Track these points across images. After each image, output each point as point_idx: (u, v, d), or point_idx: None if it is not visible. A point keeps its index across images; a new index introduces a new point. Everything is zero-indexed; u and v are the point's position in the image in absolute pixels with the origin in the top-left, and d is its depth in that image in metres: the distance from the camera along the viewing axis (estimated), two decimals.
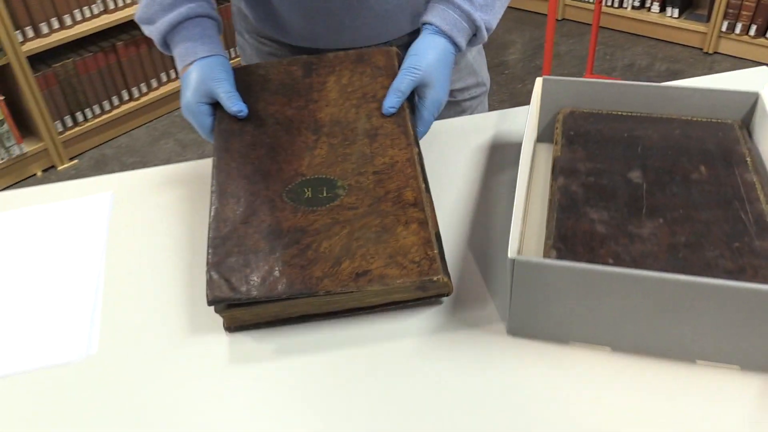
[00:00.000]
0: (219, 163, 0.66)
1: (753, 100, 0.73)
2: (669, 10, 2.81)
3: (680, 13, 2.80)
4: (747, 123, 0.74)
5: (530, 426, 0.50)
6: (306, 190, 0.62)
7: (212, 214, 0.61)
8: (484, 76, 1.00)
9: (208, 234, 0.60)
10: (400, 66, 0.72)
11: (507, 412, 0.51)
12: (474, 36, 0.77)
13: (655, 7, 2.84)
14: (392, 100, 0.69)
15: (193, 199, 0.75)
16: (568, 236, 0.59)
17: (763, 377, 0.53)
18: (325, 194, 0.61)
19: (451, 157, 0.80)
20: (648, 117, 0.75)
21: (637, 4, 2.89)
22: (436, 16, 0.74)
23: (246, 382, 0.55)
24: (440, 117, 0.96)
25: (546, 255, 0.57)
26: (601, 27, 2.98)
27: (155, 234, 0.71)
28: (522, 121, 0.85)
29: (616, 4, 2.94)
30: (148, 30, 0.75)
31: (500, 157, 0.80)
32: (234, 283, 0.56)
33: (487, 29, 0.76)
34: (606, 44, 2.86)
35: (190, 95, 0.71)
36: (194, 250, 0.68)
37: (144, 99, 2.47)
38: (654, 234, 0.58)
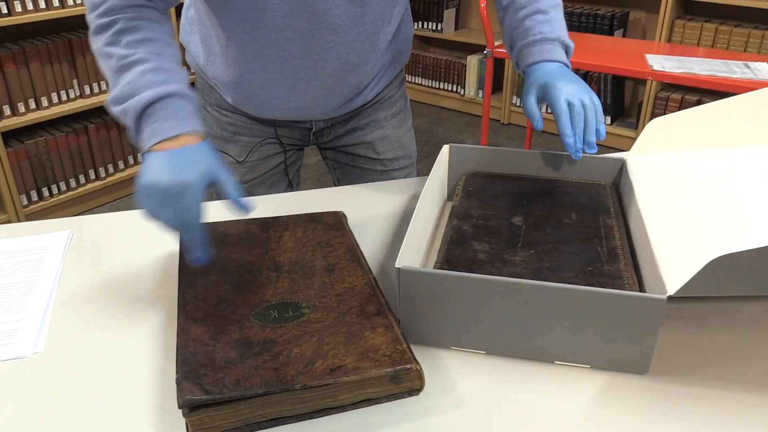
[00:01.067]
0: (184, 297, 0.68)
1: (620, 164, 0.89)
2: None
3: (612, 121, 3.09)
4: (617, 185, 0.89)
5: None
6: (272, 312, 0.65)
7: (179, 337, 0.62)
8: (412, 149, 1.16)
9: (177, 351, 0.60)
10: (346, 224, 0.81)
11: None
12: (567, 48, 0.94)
13: None
14: (570, 143, 0.84)
15: (153, 243, 0.86)
16: (453, 260, 0.71)
17: (609, 374, 0.64)
18: (291, 314, 0.65)
19: (376, 212, 0.93)
20: (537, 178, 0.91)
21: None
22: (532, 56, 0.92)
23: None
24: (370, 180, 1.10)
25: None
26: (543, 132, 3.25)
27: (107, 270, 0.81)
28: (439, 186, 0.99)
29: None
30: (119, 108, 0.71)
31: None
32: (206, 385, 0.55)
33: (566, 36, 0.94)
34: (547, 146, 3.11)
35: (199, 173, 0.66)
36: (144, 288, 0.78)
37: (110, 179, 2.59)
38: (524, 260, 0.72)
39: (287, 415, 0.57)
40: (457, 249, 0.74)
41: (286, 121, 1.04)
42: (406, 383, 0.59)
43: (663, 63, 2.07)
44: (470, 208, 0.83)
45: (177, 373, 0.57)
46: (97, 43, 0.76)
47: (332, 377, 0.56)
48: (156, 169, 0.67)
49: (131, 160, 2.67)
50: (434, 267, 0.71)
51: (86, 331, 0.70)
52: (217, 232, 0.80)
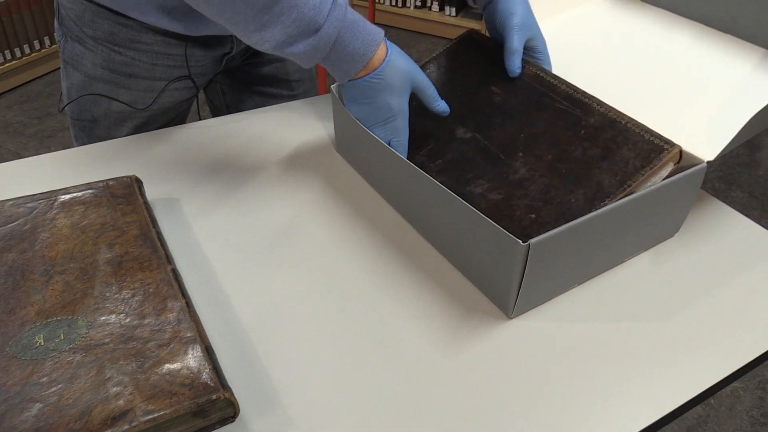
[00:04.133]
0: None
1: None
2: (447, 9, 2.99)
3: (457, 12, 3.00)
4: None
5: None
6: (38, 339, 0.50)
7: None
8: (313, 69, 0.99)
9: None
10: (140, 194, 0.65)
11: None
12: None
13: (435, 6, 3.02)
14: (516, 62, 0.70)
15: None
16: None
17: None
18: (63, 337, 0.50)
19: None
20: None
21: (418, 3, 3.04)
22: None
23: None
24: (274, 100, 0.94)
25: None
26: (387, 26, 3.10)
27: None
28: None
29: (399, 4, 3.07)
30: (303, 44, 0.60)
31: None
32: None
33: None
34: (393, 41, 2.97)
35: (401, 95, 0.65)
36: None
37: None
38: (530, 169, 0.61)
39: None
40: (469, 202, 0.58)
41: (206, 38, 0.81)
42: (215, 414, 0.46)
43: None
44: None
45: None
46: None
47: (115, 430, 0.43)
48: (364, 98, 0.66)
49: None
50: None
51: None
52: None
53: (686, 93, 0.70)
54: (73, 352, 0.48)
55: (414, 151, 0.68)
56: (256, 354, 0.53)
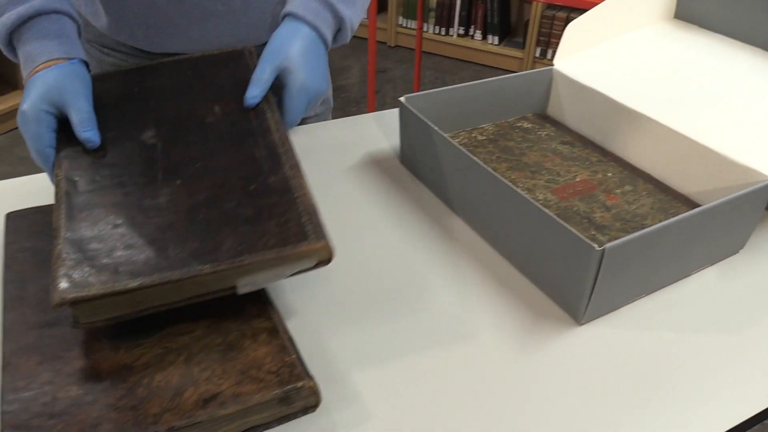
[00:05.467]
0: (11, 305, 0.52)
1: (549, 75, 0.81)
2: (490, 37, 3.03)
3: (500, 41, 3.03)
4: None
5: None
6: (126, 324, 0.51)
7: (4, 375, 0.47)
8: (329, 93, 1.00)
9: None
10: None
11: None
12: (339, 31, 0.73)
13: (478, 35, 3.06)
14: (253, 90, 0.63)
15: None
16: (80, 239, 0.49)
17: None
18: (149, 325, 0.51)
19: None
20: (159, 64, 0.69)
21: (462, 32, 3.09)
22: (297, 6, 0.69)
23: None
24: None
25: (56, 264, 0.47)
26: (430, 53, 3.16)
27: None
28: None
29: (443, 33, 3.13)
30: None
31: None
32: None
33: (351, 26, 0.73)
34: (436, 69, 3.02)
35: (35, 99, 0.59)
36: None
37: None
38: (172, 200, 0.52)
39: None
40: (81, 213, 0.51)
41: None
42: (299, 402, 0.48)
43: None
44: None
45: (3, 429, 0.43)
46: None
47: (206, 411, 0.45)
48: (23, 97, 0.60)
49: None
50: (54, 251, 0.48)
51: None
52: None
53: (749, 113, 0.71)
54: (161, 339, 0.50)
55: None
56: (335, 349, 0.55)
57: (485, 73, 3.00)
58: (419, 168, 0.76)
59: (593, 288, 0.54)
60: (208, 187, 0.54)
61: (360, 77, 2.93)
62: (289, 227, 0.50)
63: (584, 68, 0.83)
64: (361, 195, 0.74)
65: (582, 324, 0.57)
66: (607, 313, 0.59)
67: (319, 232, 0.50)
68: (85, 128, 0.59)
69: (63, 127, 0.60)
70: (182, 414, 0.44)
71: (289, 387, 0.46)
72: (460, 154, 0.66)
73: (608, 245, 0.52)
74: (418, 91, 2.67)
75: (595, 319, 0.58)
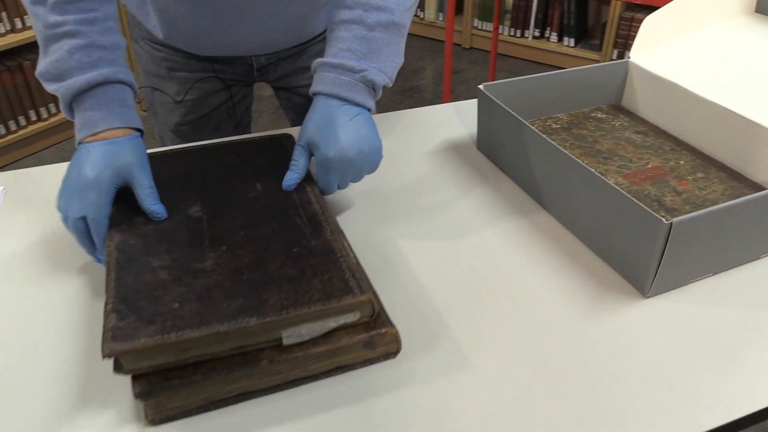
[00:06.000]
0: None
1: (625, 67, 0.84)
2: (566, 39, 3.02)
3: (576, 43, 3.02)
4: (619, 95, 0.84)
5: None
6: None
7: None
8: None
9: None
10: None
11: None
12: (373, 84, 0.69)
13: (554, 37, 3.06)
14: (291, 175, 0.67)
15: None
16: (128, 295, 0.52)
17: None
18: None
19: None
20: (204, 147, 0.75)
21: (537, 34, 3.09)
22: (316, 83, 0.69)
23: None
24: None
25: (106, 319, 0.50)
26: (505, 55, 3.17)
27: (42, 230, 0.73)
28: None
29: (518, 35, 3.14)
30: (52, 87, 0.65)
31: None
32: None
33: (380, 74, 0.69)
34: (510, 71, 3.03)
35: (102, 169, 0.61)
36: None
37: (53, 120, 2.43)
38: (217, 264, 0.56)
39: (255, 389, 0.51)
40: (129, 275, 0.54)
41: (224, 57, 0.93)
42: (381, 347, 0.53)
43: None
44: (131, 210, 0.63)
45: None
46: None
47: (301, 349, 0.50)
48: (73, 163, 0.63)
49: None
50: (105, 309, 0.51)
51: (15, 287, 0.62)
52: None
53: None
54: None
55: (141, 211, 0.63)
56: (417, 301, 0.60)
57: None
58: (496, 153, 0.81)
59: (660, 261, 0.57)
60: (252, 251, 0.57)
61: (434, 78, 2.98)
62: (333, 283, 0.52)
63: (660, 61, 0.85)
64: (440, 178, 0.79)
65: (648, 297, 0.60)
66: (673, 288, 0.61)
67: (364, 287, 0.52)
68: (153, 202, 0.62)
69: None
70: (281, 349, 0.50)
71: (373, 332, 0.52)
72: (536, 137, 0.70)
73: (676, 219, 0.55)
74: None
75: (661, 293, 0.61)
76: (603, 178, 0.61)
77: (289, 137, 0.76)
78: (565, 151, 0.66)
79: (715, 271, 0.63)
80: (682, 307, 0.59)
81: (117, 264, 0.56)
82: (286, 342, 0.50)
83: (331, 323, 0.51)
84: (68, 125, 2.48)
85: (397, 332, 0.53)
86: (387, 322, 0.53)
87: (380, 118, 0.92)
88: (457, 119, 0.93)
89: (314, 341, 0.51)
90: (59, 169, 0.78)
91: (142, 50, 0.94)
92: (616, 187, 0.60)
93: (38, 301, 0.61)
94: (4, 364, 0.54)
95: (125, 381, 0.52)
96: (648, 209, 0.56)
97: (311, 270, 0.54)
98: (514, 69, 3.05)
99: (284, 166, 0.68)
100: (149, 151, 0.68)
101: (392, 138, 0.87)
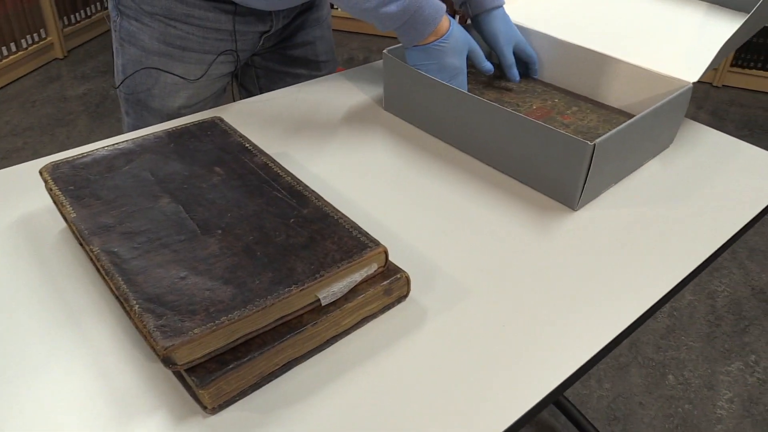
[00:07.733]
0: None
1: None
2: None
3: None
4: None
5: None
6: None
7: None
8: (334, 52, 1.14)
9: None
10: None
11: None
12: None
13: None
14: (514, 73, 0.92)
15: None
16: (156, 296, 0.51)
17: None
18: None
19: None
20: (140, 141, 0.72)
21: None
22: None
23: None
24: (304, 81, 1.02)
25: (142, 321, 0.49)
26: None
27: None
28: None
29: None
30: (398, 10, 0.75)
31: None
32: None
33: None
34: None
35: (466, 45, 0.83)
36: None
37: None
38: (223, 247, 0.56)
39: (298, 356, 0.54)
40: (136, 275, 0.53)
41: (249, 13, 0.92)
42: (396, 292, 0.59)
43: None
44: (97, 215, 0.60)
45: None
46: None
47: (336, 306, 0.54)
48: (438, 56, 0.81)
49: None
50: (131, 313, 0.51)
51: None
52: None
53: (659, 36, 0.89)
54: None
55: (105, 212, 0.61)
56: (405, 247, 0.66)
57: (374, 41, 3.12)
58: (405, 110, 0.88)
59: (586, 179, 0.69)
60: (251, 230, 0.58)
61: None
62: (345, 242, 0.56)
63: (513, 10, 0.98)
64: (363, 135, 0.84)
65: (576, 210, 0.72)
66: (592, 199, 0.74)
67: (373, 240, 0.57)
68: (485, 61, 0.86)
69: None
70: (318, 310, 0.54)
71: (391, 279, 0.57)
72: (456, 93, 0.78)
73: (598, 140, 0.67)
74: None
75: (584, 205, 0.73)
76: (527, 117, 0.71)
77: (221, 119, 0.76)
78: (490, 102, 0.75)
79: (616, 181, 0.77)
80: (604, 212, 0.72)
81: (115, 267, 0.54)
82: (324, 302, 0.53)
83: (357, 277, 0.55)
84: None
85: (408, 275, 0.59)
86: (397, 267, 0.59)
87: (287, 92, 0.94)
88: (353, 86, 0.98)
89: (345, 297, 0.55)
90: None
91: (147, 28, 0.88)
92: (540, 122, 0.70)
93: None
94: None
95: (155, 385, 0.51)
96: (573, 136, 0.68)
97: (319, 235, 0.57)
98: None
99: (232, 148, 0.70)
100: (78, 149, 0.65)
101: (305, 108, 0.91)
